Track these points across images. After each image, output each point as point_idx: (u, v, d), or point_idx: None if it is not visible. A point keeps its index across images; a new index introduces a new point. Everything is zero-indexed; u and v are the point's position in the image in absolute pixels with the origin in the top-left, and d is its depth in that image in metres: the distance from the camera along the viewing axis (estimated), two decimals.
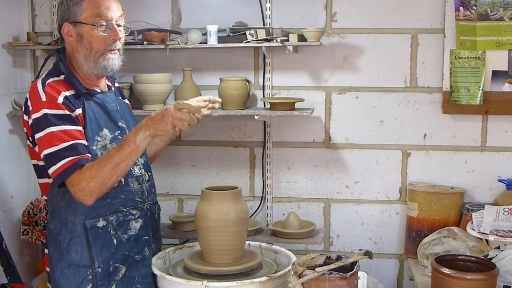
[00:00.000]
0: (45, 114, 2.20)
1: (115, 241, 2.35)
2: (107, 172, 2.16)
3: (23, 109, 2.37)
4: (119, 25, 2.36)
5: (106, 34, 2.32)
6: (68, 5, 2.33)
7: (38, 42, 3.61)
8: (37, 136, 2.23)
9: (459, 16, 3.32)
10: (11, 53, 3.56)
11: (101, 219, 2.32)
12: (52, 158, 2.19)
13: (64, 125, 2.21)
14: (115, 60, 2.35)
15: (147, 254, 2.47)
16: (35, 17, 3.75)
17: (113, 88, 2.54)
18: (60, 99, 2.23)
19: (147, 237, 2.46)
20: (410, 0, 3.42)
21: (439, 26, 3.40)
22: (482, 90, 3.33)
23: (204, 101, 2.46)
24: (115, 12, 2.34)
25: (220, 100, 2.55)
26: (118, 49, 2.37)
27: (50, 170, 2.20)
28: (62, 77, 2.32)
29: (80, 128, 2.25)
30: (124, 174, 2.24)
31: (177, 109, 2.15)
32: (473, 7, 3.29)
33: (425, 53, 3.44)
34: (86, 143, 2.25)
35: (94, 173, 2.16)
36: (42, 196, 3.57)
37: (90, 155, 2.23)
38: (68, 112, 2.23)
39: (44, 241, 3.27)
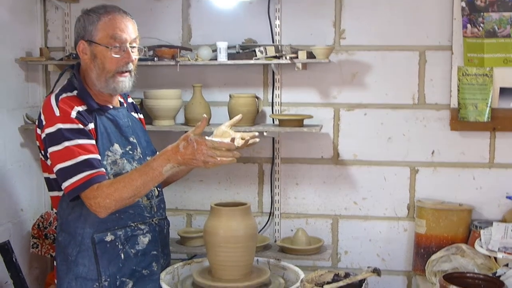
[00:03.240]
0: (60, 129, 2.23)
1: (122, 256, 2.37)
2: (126, 194, 2.19)
3: (36, 123, 2.40)
4: (133, 47, 2.39)
5: (119, 56, 2.34)
6: (85, 23, 2.36)
7: (50, 57, 3.65)
8: (50, 150, 2.25)
9: (466, 33, 3.34)
10: (23, 68, 3.60)
11: (109, 233, 2.34)
12: (67, 172, 2.21)
13: (79, 139, 2.23)
14: (125, 82, 2.37)
15: (155, 269, 2.47)
16: (48, 33, 3.79)
17: (125, 104, 2.56)
18: (73, 114, 2.26)
19: (155, 252, 2.47)
20: (418, 17, 3.44)
21: (447, 43, 3.42)
22: (490, 107, 3.34)
23: (243, 138, 2.47)
24: (130, 34, 2.36)
25: (256, 133, 2.55)
26: (130, 71, 2.39)
27: (65, 184, 2.22)
28: (75, 92, 2.35)
29: (94, 142, 2.28)
30: (142, 196, 2.27)
31: (209, 148, 2.14)
32: (481, 24, 3.31)
33: (433, 70, 3.46)
34: (99, 158, 2.27)
35: (113, 191, 2.18)
36: (52, 210, 3.60)
37: (104, 170, 2.26)
38: (81, 126, 2.26)
39: (54, 254, 3.30)
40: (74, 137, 2.22)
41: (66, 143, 2.21)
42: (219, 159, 2.15)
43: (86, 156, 2.21)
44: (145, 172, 2.19)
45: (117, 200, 2.19)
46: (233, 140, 2.30)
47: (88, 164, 2.21)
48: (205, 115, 2.21)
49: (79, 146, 2.22)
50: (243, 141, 2.44)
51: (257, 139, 2.52)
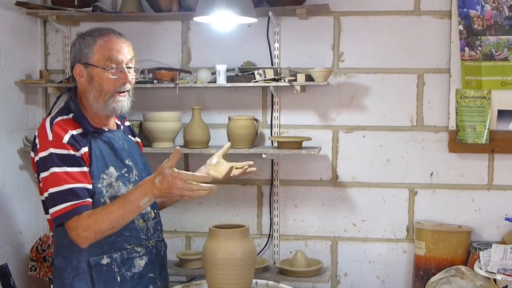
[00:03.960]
0: (50, 154, 2.23)
1: (118, 279, 2.35)
2: (104, 226, 2.20)
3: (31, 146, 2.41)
4: (129, 67, 2.40)
5: (116, 77, 2.35)
6: (81, 47, 2.37)
7: (50, 80, 3.66)
8: (41, 175, 2.26)
9: (464, 56, 3.36)
10: (23, 90, 3.62)
11: (105, 256, 2.33)
12: (53, 200, 2.22)
13: (67, 166, 2.23)
14: (124, 102, 2.38)
15: None
16: (48, 55, 3.82)
17: (122, 127, 2.56)
18: (66, 139, 2.26)
19: (152, 275, 2.45)
20: (416, 40, 3.47)
21: (445, 66, 3.44)
22: (488, 129, 3.36)
23: (236, 168, 2.53)
24: (125, 55, 2.37)
25: (251, 162, 2.61)
26: (127, 91, 2.40)
27: (50, 211, 2.24)
28: (71, 115, 2.35)
29: (84, 169, 2.27)
30: (121, 227, 2.27)
31: (184, 182, 2.16)
32: (478, 48, 3.34)
33: (431, 93, 3.48)
34: (88, 186, 2.26)
35: (92, 223, 2.19)
36: (50, 232, 3.59)
37: (90, 200, 2.26)
38: (72, 152, 2.25)
39: (52, 277, 3.29)
40: (63, 164, 2.23)
41: (54, 170, 2.22)
42: (195, 192, 2.17)
43: (71, 185, 2.22)
44: (123, 205, 2.21)
45: (96, 232, 2.20)
46: (231, 168, 2.32)
47: (72, 194, 2.21)
48: (178, 147, 2.23)
49: (67, 173, 2.22)
50: (241, 169, 2.47)
51: (254, 168, 2.56)
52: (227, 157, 2.70)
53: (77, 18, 3.64)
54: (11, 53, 3.48)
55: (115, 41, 2.38)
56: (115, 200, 2.27)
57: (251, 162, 2.58)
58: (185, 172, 2.18)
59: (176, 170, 2.18)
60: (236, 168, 2.59)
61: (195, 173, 2.22)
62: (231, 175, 2.56)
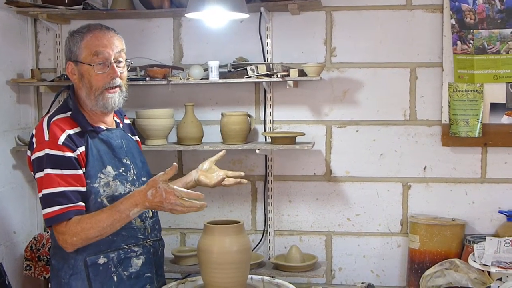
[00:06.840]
0: (45, 155, 2.24)
1: (115, 278, 2.36)
2: (92, 234, 2.22)
3: (28, 145, 2.40)
4: (119, 61, 2.39)
5: (102, 72, 2.35)
6: (70, 45, 2.39)
7: (41, 79, 3.65)
8: (36, 175, 2.28)
9: (456, 50, 3.37)
10: (15, 89, 3.60)
11: (102, 256, 2.33)
12: (45, 201, 2.24)
13: (61, 169, 2.24)
14: (114, 99, 2.37)
15: None
16: (39, 54, 3.80)
17: (121, 125, 2.55)
18: (61, 139, 2.25)
19: (149, 274, 2.46)
20: (408, 35, 3.47)
21: (437, 60, 3.44)
22: (481, 122, 3.37)
23: (228, 176, 2.56)
24: (113, 49, 2.36)
25: (242, 174, 2.62)
26: (118, 86, 2.38)
27: (43, 212, 2.26)
28: (69, 113, 2.35)
29: (77, 171, 2.27)
30: (109, 234, 2.27)
31: (177, 198, 2.18)
32: (470, 41, 3.34)
33: (424, 87, 3.48)
34: (81, 189, 2.27)
35: (80, 231, 2.21)
36: (44, 231, 3.58)
37: (82, 204, 2.27)
38: (68, 154, 2.25)
39: (47, 276, 3.29)
40: (57, 166, 2.24)
41: (47, 171, 2.23)
42: (186, 208, 2.19)
43: (64, 188, 2.22)
44: (112, 214, 2.22)
45: (83, 239, 2.23)
46: (222, 179, 2.45)
47: (64, 197, 2.22)
48: (175, 164, 2.23)
49: (60, 176, 2.23)
50: (233, 179, 2.53)
51: (245, 181, 2.57)
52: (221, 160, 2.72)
53: (68, 16, 3.62)
54: (1, 52, 3.47)
55: (101, 36, 2.37)
56: (105, 208, 2.28)
57: (243, 174, 2.59)
58: (179, 188, 2.20)
59: (170, 185, 2.19)
60: (227, 177, 2.61)
61: (189, 190, 2.23)
62: (221, 184, 2.57)
